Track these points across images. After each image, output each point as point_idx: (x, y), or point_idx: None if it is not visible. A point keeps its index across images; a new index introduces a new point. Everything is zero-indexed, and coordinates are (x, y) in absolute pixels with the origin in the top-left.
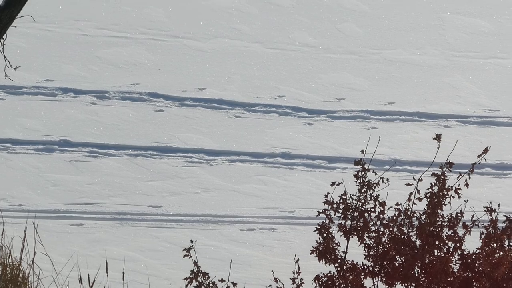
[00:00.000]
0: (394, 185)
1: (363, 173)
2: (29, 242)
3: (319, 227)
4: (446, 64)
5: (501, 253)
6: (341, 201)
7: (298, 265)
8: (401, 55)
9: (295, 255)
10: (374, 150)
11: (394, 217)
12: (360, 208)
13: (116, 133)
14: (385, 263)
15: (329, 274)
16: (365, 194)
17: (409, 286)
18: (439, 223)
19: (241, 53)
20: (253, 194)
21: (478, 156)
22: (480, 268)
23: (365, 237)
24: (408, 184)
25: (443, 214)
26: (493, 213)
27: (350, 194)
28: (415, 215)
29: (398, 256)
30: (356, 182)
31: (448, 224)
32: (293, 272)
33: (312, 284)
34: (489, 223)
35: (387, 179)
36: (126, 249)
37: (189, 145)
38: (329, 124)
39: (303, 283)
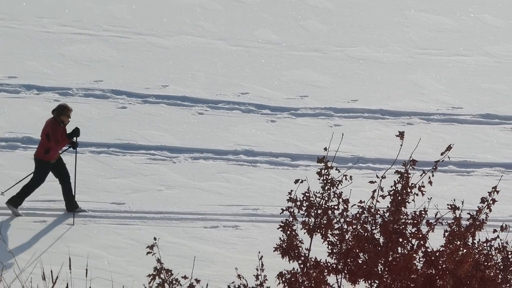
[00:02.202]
0: (358, 183)
1: (326, 170)
2: None
3: (283, 224)
4: (409, 61)
5: (465, 250)
6: (305, 198)
7: (262, 262)
8: (364, 53)
9: (259, 252)
10: (337, 148)
11: (358, 215)
12: (323, 205)
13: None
14: (349, 260)
15: (292, 271)
16: (329, 191)
17: (373, 283)
18: (403, 220)
19: (205, 50)
20: (216, 192)
21: (442, 154)
22: (444, 266)
23: (328, 235)
24: (371, 182)
25: (406, 212)
26: (456, 210)
27: (314, 192)
28: (378, 212)
29: (361, 254)
30: (319, 179)
31: (411, 221)
32: (257, 269)
33: (276, 281)
34: (453, 221)
35: (350, 177)
36: (89, 246)
37: (152, 142)
38: (292, 121)
39: (266, 280)
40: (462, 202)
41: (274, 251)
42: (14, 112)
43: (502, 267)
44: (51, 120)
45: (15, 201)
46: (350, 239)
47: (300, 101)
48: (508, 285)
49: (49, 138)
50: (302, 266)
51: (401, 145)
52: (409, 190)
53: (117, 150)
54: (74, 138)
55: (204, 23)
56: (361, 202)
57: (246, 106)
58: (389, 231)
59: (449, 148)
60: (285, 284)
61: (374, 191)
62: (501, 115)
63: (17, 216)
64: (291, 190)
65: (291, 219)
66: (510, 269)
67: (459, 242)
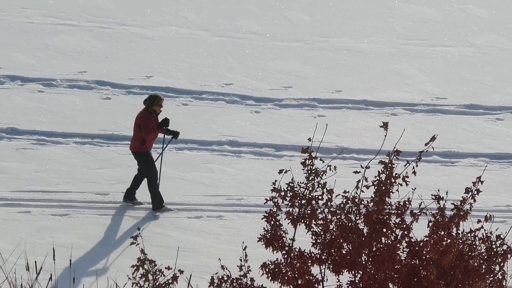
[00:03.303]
0: (342, 173)
1: (310, 161)
2: None
3: (267, 214)
4: (393, 52)
5: (449, 240)
6: (289, 188)
7: (246, 252)
8: (348, 43)
9: (243, 242)
10: (321, 138)
11: (342, 205)
12: (307, 195)
13: (64, 121)
14: (333, 250)
15: (276, 262)
16: (313, 181)
17: (356, 274)
18: (387, 210)
19: (189, 41)
20: (201, 182)
21: (426, 144)
22: (428, 256)
23: (312, 225)
24: (355, 172)
25: (390, 202)
26: (440, 201)
27: (298, 182)
28: (362, 202)
29: (345, 244)
30: (303, 170)
31: (395, 211)
32: (240, 260)
33: (259, 272)
34: (437, 211)
35: (335, 167)
36: (74, 237)
37: None
38: (276, 112)
39: (250, 270)
40: (446, 192)
41: (258, 241)
42: None
43: (486, 257)
44: (142, 110)
45: (157, 204)
46: (334, 229)
47: (284, 91)
48: (492, 275)
49: (141, 129)
50: (286, 256)
51: (385, 136)
52: (393, 181)
53: (101, 141)
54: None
55: (188, 14)
56: (345, 192)
57: (230, 97)
58: (373, 221)
59: (433, 138)
60: (269, 275)
61: (358, 181)
62: (485, 106)
63: (170, 210)
64: (275, 181)
65: (275, 209)
66: (494, 259)
67: (443, 233)
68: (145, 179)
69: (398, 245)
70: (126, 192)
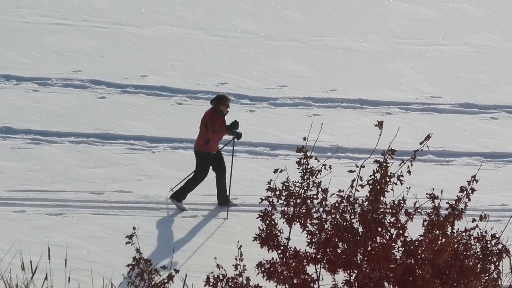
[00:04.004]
0: (337, 172)
1: (305, 160)
2: None
3: (262, 214)
4: (388, 51)
5: (444, 240)
6: (284, 188)
7: (241, 251)
8: (343, 42)
9: (238, 241)
10: (316, 137)
11: (337, 204)
12: (302, 195)
13: (59, 120)
14: (328, 250)
15: (271, 261)
16: (308, 181)
17: (352, 273)
18: (382, 210)
19: (183, 40)
20: None
21: (421, 143)
22: (423, 255)
23: (307, 224)
24: (350, 171)
25: (385, 201)
26: (435, 200)
27: (293, 181)
28: (357, 202)
29: (340, 243)
30: (298, 169)
31: (390, 211)
32: (236, 259)
33: (255, 271)
34: (432, 210)
35: (330, 166)
36: (69, 236)
37: (131, 132)
38: (271, 111)
39: (245, 269)
40: (441, 191)
41: (253, 240)
42: None
43: (481, 256)
44: (209, 110)
45: (178, 196)
46: (329, 228)
47: (279, 91)
48: (487, 274)
49: (207, 129)
50: (281, 255)
51: (380, 135)
52: (388, 180)
53: (96, 140)
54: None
55: (182, 13)
56: (340, 191)
57: None
58: (368, 221)
59: (428, 137)
60: (264, 274)
61: (353, 180)
62: (480, 105)
63: (182, 210)
64: (271, 180)
65: (270, 208)
66: (489, 258)
67: (438, 232)
68: (226, 179)
69: (393, 244)
70: (218, 200)
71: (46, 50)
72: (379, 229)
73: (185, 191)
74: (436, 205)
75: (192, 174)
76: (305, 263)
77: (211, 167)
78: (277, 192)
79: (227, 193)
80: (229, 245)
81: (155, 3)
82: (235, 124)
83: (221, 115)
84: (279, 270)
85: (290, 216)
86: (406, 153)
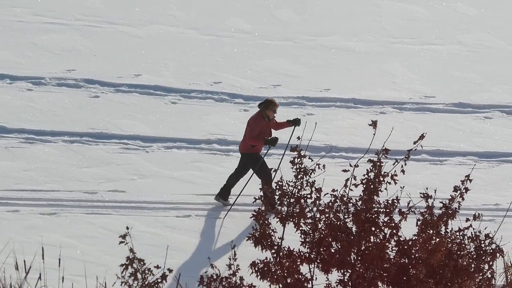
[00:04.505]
0: (330, 171)
1: (299, 159)
2: None
3: (256, 213)
4: (382, 50)
5: (438, 239)
6: (278, 187)
7: (234, 251)
8: (337, 42)
9: (231, 241)
10: (310, 137)
11: (331, 203)
12: (296, 194)
13: (52, 120)
14: (322, 249)
15: (265, 261)
16: (302, 180)
17: (345, 272)
18: (376, 209)
19: (177, 39)
20: (189, 181)
21: (414, 143)
22: (417, 255)
23: (301, 224)
24: (344, 171)
25: (379, 201)
26: (429, 199)
27: (287, 181)
28: (351, 201)
29: (334, 243)
30: (292, 168)
31: (384, 210)
32: (229, 259)
33: (248, 270)
34: (426, 210)
35: (323, 165)
36: (62, 236)
37: (125, 132)
38: None
39: (239, 269)
40: (435, 191)
41: (246, 240)
42: None
43: (475, 256)
44: (256, 114)
45: (270, 201)
46: (322, 228)
47: (273, 90)
48: (481, 274)
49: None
50: (275, 255)
51: (373, 134)
52: (381, 179)
53: (89, 139)
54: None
55: (176, 12)
56: (333, 191)
57: (219, 96)
58: (361, 220)
59: (421, 137)
60: (258, 274)
61: (347, 179)
62: (473, 104)
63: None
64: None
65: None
66: (483, 258)
67: (431, 231)
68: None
69: (387, 244)
70: (220, 191)
71: (39, 49)
72: (373, 228)
73: (267, 195)
74: (430, 205)
75: (259, 179)
76: (298, 263)
77: (245, 165)
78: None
79: (229, 191)
80: (222, 245)
81: (148, 2)
82: (297, 121)
83: (266, 120)
84: (273, 270)
85: (283, 215)
86: (400, 153)
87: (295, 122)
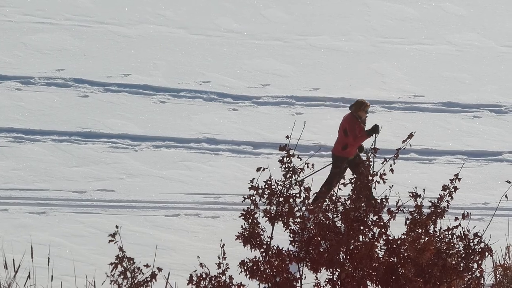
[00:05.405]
0: (320, 171)
1: (288, 158)
2: None
3: (245, 212)
4: (371, 50)
5: (426, 238)
6: (266, 186)
7: (224, 250)
8: (326, 41)
9: (221, 240)
10: (299, 136)
11: (319, 203)
12: (285, 193)
13: (41, 119)
14: (310, 248)
15: (254, 260)
16: (290, 179)
17: (334, 272)
18: (364, 208)
19: (166, 39)
20: (178, 180)
21: (403, 142)
22: (406, 254)
23: (290, 223)
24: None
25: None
26: (418, 198)
27: (275, 180)
28: (340, 200)
29: (323, 242)
30: (281, 167)
31: (373, 209)
32: (219, 258)
33: (238, 270)
34: (414, 209)
35: (312, 165)
36: (51, 235)
37: (114, 131)
38: (254, 109)
39: (228, 268)
40: (424, 190)
41: (236, 239)
42: None
43: (463, 255)
44: (349, 115)
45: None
46: (311, 227)
47: (262, 89)
48: (470, 273)
49: (346, 134)
50: (264, 254)
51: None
52: (370, 178)
53: (79, 138)
54: (374, 135)
55: (165, 12)
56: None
57: (208, 95)
58: (350, 219)
59: (410, 136)
60: (247, 272)
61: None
62: (462, 103)
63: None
64: (253, 178)
65: (252, 207)
66: (472, 257)
67: (420, 230)
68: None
69: (376, 243)
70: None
71: (29, 49)
72: (362, 227)
73: (321, 195)
74: (419, 204)
75: (328, 176)
76: (287, 262)
77: (351, 170)
78: (260, 191)
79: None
80: (211, 244)
81: (138, 2)
82: (375, 128)
83: (359, 121)
84: (262, 269)
85: (272, 214)
86: (389, 152)
87: (374, 131)
